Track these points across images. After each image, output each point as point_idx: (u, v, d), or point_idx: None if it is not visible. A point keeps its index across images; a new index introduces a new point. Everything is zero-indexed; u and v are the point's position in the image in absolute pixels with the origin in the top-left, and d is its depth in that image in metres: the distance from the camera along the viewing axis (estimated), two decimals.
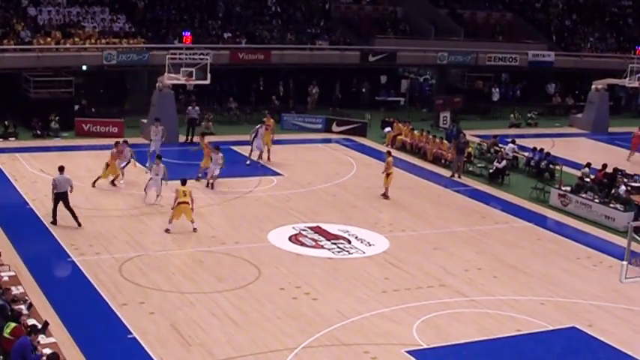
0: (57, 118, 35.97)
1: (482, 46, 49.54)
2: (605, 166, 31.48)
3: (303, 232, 24.73)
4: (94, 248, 22.33)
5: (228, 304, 19.19)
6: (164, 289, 19.92)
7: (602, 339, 18.74)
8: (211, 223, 25.05)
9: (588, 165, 31.64)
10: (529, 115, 46.03)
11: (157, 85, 36.07)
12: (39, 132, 35.62)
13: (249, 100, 43.33)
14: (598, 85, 45.04)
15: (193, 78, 34.84)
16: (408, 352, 17.39)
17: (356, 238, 24.53)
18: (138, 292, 19.57)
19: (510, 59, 49.11)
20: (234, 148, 34.80)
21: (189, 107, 36.78)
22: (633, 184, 30.82)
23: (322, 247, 23.63)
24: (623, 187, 29.08)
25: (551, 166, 33.46)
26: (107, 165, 28.11)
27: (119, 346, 16.94)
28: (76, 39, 39.65)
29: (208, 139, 33.72)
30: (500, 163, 32.45)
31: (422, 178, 32.57)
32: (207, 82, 35.20)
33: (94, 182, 27.99)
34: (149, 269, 21.11)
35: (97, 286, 19.82)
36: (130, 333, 17.43)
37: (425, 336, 18.19)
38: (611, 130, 44.22)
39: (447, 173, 33.15)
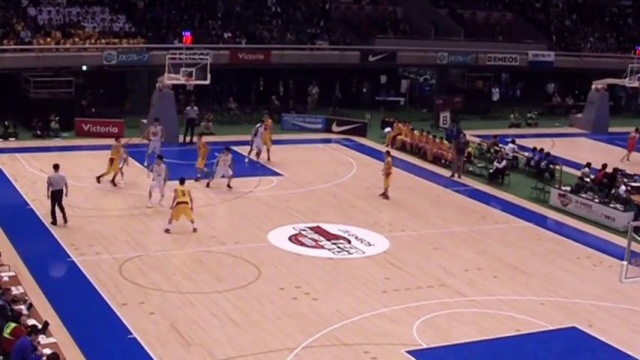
0: (57, 118, 35.97)
1: (482, 46, 49.55)
2: (605, 166, 31.48)
3: (303, 232, 24.73)
4: (94, 248, 22.34)
5: (228, 304, 19.19)
6: (164, 289, 19.92)
7: (602, 339, 18.73)
8: (211, 223, 25.05)
9: (588, 165, 31.64)
10: (529, 115, 46.04)
11: (157, 85, 36.08)
12: (39, 132, 35.62)
13: (249, 100, 43.33)
14: (598, 85, 45.05)
15: (193, 78, 34.86)
16: (408, 352, 17.39)
17: (356, 238, 24.53)
18: (138, 292, 19.57)
19: (510, 59, 49.11)
20: (235, 148, 34.75)
21: (188, 107, 36.78)
22: (633, 184, 30.83)
23: (322, 247, 23.63)
24: (623, 187, 29.08)
25: (551, 166, 33.46)
26: (111, 160, 28.09)
27: (119, 346, 16.94)
28: (76, 39, 39.66)
29: (208, 139, 33.82)
30: (500, 163, 32.45)
31: (422, 178, 32.57)
32: (207, 82, 35.21)
33: (99, 177, 27.99)
34: (149, 269, 21.11)
35: (97, 286, 19.82)
36: (130, 333, 17.42)
37: (425, 336, 18.19)
38: (611, 130, 44.21)
39: (446, 173, 33.15)
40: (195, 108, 36.98)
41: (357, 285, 20.92)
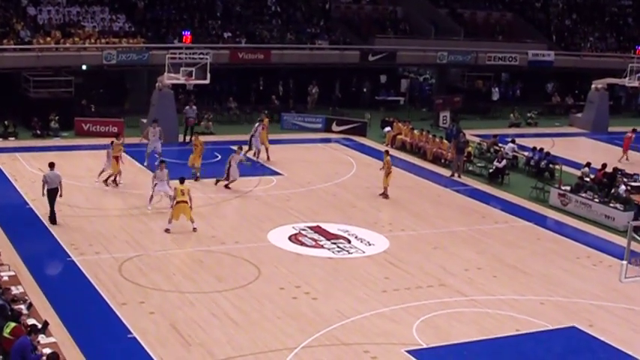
0: (57, 117, 35.96)
1: (482, 45, 49.53)
2: (604, 165, 31.47)
3: (303, 232, 24.73)
4: (93, 248, 22.33)
5: (228, 304, 19.19)
6: (164, 288, 19.92)
7: (602, 339, 18.73)
8: (211, 223, 25.04)
9: (588, 164, 31.63)
10: (529, 114, 46.04)
11: (157, 84, 36.08)
12: (39, 132, 35.61)
13: (249, 100, 43.33)
14: (598, 84, 45.05)
15: (193, 78, 34.86)
16: (407, 351, 17.38)
17: (356, 237, 24.52)
18: (138, 292, 19.56)
19: (510, 59, 49.12)
20: (234, 147, 34.75)
21: (187, 107, 36.77)
22: (633, 183, 30.84)
23: (322, 246, 23.63)
24: (622, 187, 29.08)
25: (551, 165, 33.46)
26: (116, 159, 28.05)
27: (119, 346, 16.94)
28: (76, 39, 39.64)
29: (208, 139, 33.84)
30: (500, 162, 32.45)
31: (422, 177, 32.56)
32: (207, 81, 35.22)
33: (107, 180, 27.91)
34: (149, 269, 21.11)
35: (97, 285, 19.81)
36: (130, 333, 17.42)
37: (425, 335, 18.19)
38: (610, 129, 44.20)
39: (446, 173, 33.14)
40: (194, 107, 36.95)
41: (357, 285, 20.92)
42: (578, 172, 31.45)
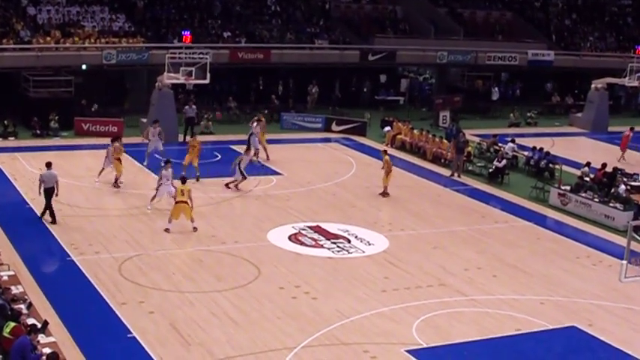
0: (56, 117, 35.96)
1: (481, 45, 49.52)
2: (604, 165, 31.46)
3: (303, 232, 24.72)
4: (93, 247, 22.32)
5: (227, 304, 19.18)
6: (164, 288, 19.92)
7: (602, 338, 18.72)
8: (211, 223, 25.04)
9: (588, 164, 31.62)
10: (529, 114, 46.04)
11: (157, 84, 36.07)
12: (38, 131, 35.60)
13: (249, 100, 43.33)
14: (597, 84, 45.05)
15: (193, 77, 34.86)
16: (407, 351, 17.38)
17: (355, 237, 24.52)
18: (137, 292, 19.56)
19: (510, 58, 49.12)
20: (234, 147, 34.80)
21: (187, 106, 36.76)
22: (633, 183, 30.83)
23: (322, 246, 23.63)
24: (622, 187, 29.07)
25: (550, 165, 33.45)
26: (119, 160, 28.00)
27: (119, 346, 16.93)
28: (76, 38, 39.63)
29: (208, 138, 33.83)
30: (499, 162, 32.45)
31: (421, 177, 32.56)
32: (207, 81, 35.24)
33: (116, 181, 27.82)
34: (149, 268, 21.10)
35: (97, 285, 19.81)
36: (130, 332, 17.42)
37: (424, 335, 18.18)
38: (610, 129, 44.16)
39: (446, 172, 33.14)
40: (194, 107, 36.97)
41: (357, 284, 20.92)
42: (578, 172, 31.42)
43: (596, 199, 28.24)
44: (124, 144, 29.40)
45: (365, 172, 32.44)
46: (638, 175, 32.04)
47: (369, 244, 24.02)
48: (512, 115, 45.30)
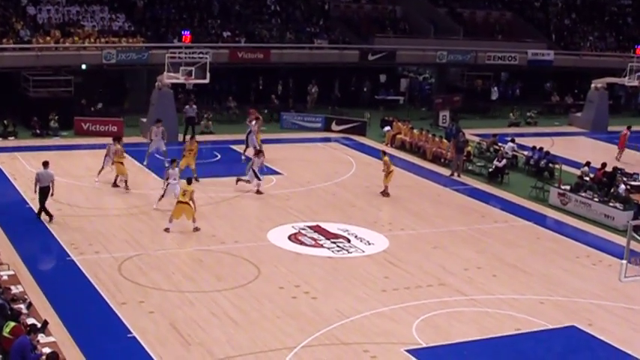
0: (56, 117, 35.95)
1: (481, 45, 49.53)
2: (604, 164, 31.46)
3: (303, 231, 24.72)
4: (93, 247, 22.32)
5: (227, 303, 19.18)
6: (164, 288, 19.92)
7: (601, 338, 18.72)
8: (211, 222, 25.03)
9: (588, 164, 31.62)
10: (528, 114, 46.04)
11: (157, 84, 36.05)
12: (38, 131, 35.59)
13: (249, 99, 43.30)
14: (597, 84, 45.05)
15: (192, 77, 34.83)
16: (407, 351, 17.38)
17: (355, 237, 24.52)
18: (137, 291, 19.56)
19: (510, 58, 49.12)
20: (234, 147, 34.82)
21: (187, 106, 36.74)
22: (633, 182, 30.84)
23: (322, 246, 23.63)
24: (622, 186, 29.07)
25: (550, 164, 33.45)
26: (122, 163, 27.94)
27: (119, 346, 16.93)
28: (76, 38, 39.62)
29: (208, 138, 33.78)
30: (499, 162, 32.45)
31: (421, 177, 32.56)
32: (207, 81, 35.20)
33: (126, 183, 27.71)
34: (149, 268, 21.10)
35: (97, 285, 19.81)
36: (130, 332, 17.42)
37: (424, 335, 18.19)
38: (610, 129, 44.14)
39: (446, 172, 33.14)
40: (194, 107, 36.95)
41: (357, 284, 20.92)
42: (578, 172, 31.42)
43: (596, 199, 28.24)
44: (124, 144, 29.35)
45: (365, 171, 32.44)
46: (637, 174, 32.04)
47: (369, 244, 24.02)
48: (511, 114, 45.30)
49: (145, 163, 30.94)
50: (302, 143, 37.45)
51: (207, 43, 41.12)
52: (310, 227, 25.12)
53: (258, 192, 28.28)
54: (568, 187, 29.31)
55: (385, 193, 29.02)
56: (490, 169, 32.67)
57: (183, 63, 34.84)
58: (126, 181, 27.68)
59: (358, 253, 23.24)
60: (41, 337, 14.96)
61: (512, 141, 35.45)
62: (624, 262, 15.75)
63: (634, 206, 27.44)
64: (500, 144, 35.99)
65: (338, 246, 23.67)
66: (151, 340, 17.05)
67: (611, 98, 48.08)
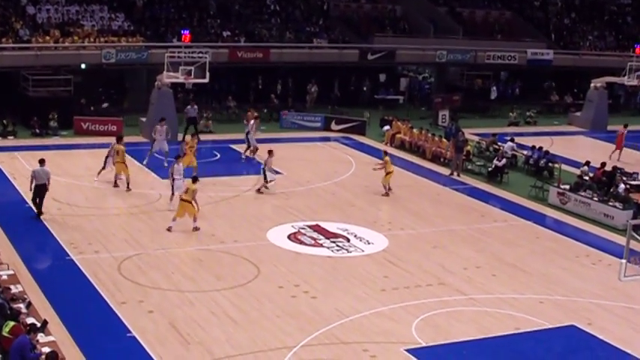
0: (56, 116, 35.94)
1: (481, 44, 49.54)
2: (604, 164, 31.47)
3: (302, 231, 24.72)
4: (93, 247, 22.32)
5: (227, 303, 19.19)
6: (163, 287, 19.92)
7: (601, 337, 18.72)
8: (211, 222, 25.02)
9: (587, 163, 31.62)
10: (528, 113, 46.03)
11: (156, 83, 36.04)
12: (38, 131, 35.58)
13: (248, 99, 43.31)
14: (597, 83, 45.05)
15: (192, 76, 34.82)
16: (407, 350, 17.38)
17: (355, 236, 24.52)
18: (137, 291, 19.56)
19: (509, 57, 49.12)
20: (234, 146, 34.81)
21: (188, 106, 36.70)
22: (632, 182, 30.84)
23: (321, 245, 23.63)
24: (622, 186, 29.07)
25: (550, 164, 33.45)
26: (124, 164, 27.89)
27: (118, 345, 16.93)
28: (75, 37, 39.62)
29: (208, 137, 33.74)
30: (499, 161, 32.46)
31: (421, 176, 32.56)
32: (206, 80, 35.19)
33: (128, 185, 27.68)
34: (148, 268, 21.10)
35: (96, 284, 19.81)
36: (129, 331, 17.42)
37: (424, 334, 18.19)
38: (610, 128, 44.07)
39: (445, 171, 33.14)
40: (195, 107, 36.91)
41: (356, 283, 20.92)
42: (578, 171, 31.42)
43: (596, 198, 28.24)
44: (124, 143, 29.32)
45: (364, 171, 32.40)
46: (637, 174, 32.05)
47: (369, 243, 24.02)
48: (511, 114, 45.29)
49: (144, 162, 30.90)
50: (301, 143, 37.43)
51: (206, 43, 41.10)
52: (310, 227, 25.12)
53: (259, 191, 28.29)
54: (567, 187, 29.32)
55: (386, 194, 29.02)
56: (489, 169, 32.67)
57: (182, 62, 34.83)
58: (128, 182, 27.67)
59: (358, 253, 23.24)
60: (41, 337, 14.96)
61: (512, 140, 35.45)
62: (624, 261, 15.76)
63: (633, 205, 27.45)
64: (499, 143, 35.99)
65: (337, 245, 23.67)
66: (151, 340, 17.05)
67: (611, 97, 48.09)
